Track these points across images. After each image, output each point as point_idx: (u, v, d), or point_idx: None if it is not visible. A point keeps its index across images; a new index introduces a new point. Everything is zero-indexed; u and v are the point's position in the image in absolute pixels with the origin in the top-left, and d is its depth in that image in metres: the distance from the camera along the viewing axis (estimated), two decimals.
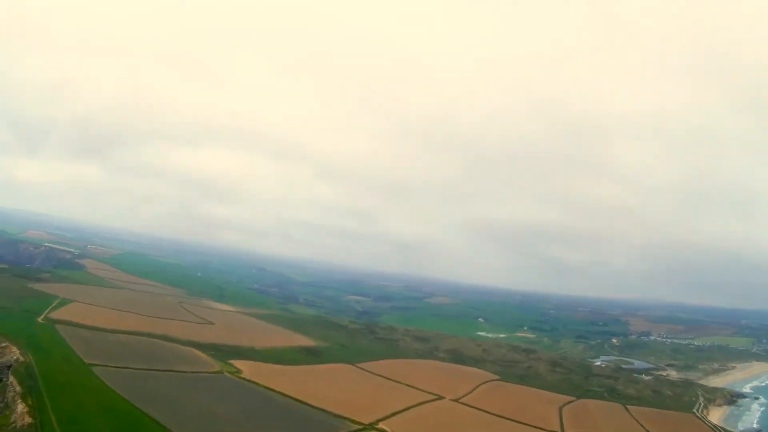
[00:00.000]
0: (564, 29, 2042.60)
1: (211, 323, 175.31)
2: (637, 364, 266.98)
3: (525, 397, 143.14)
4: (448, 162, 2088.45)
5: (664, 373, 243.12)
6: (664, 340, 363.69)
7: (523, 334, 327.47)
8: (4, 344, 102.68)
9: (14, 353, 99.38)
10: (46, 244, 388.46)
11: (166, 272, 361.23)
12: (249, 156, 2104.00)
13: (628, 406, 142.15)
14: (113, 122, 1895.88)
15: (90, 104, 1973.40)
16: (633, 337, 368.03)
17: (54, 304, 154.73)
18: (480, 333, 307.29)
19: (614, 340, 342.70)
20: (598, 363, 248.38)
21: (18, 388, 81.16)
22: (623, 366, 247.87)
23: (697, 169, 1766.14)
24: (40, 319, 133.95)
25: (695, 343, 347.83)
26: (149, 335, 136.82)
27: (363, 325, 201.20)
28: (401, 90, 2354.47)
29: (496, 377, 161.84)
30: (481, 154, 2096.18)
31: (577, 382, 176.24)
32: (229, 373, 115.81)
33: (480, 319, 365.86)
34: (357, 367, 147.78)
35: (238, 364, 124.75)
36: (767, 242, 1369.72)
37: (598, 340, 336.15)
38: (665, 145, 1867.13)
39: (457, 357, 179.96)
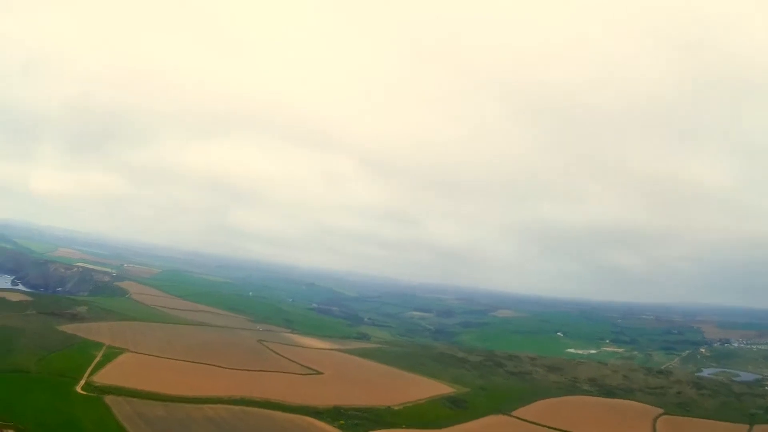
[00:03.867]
0: None
1: (318, 372, 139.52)
2: (744, 375, 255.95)
3: None
4: (519, 145, 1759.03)
5: None
6: (749, 347, 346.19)
7: (611, 349, 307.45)
8: None
9: None
10: (80, 264, 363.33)
11: (217, 293, 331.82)
12: (281, 150, 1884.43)
13: None
14: (121, 110, 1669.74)
15: (90, 87, 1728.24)
16: (717, 345, 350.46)
17: (98, 358, 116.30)
18: (569, 350, 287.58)
19: (702, 350, 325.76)
20: (710, 377, 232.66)
21: None
22: (734, 379, 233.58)
23: None
24: (79, 388, 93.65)
25: None
26: (245, 402, 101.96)
27: (484, 356, 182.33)
28: (470, 44, 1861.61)
29: (660, 410, 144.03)
30: (569, 127, 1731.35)
31: (734, 405, 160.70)
32: None
33: (559, 334, 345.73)
34: (514, 417, 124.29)
35: None
36: None
37: (687, 351, 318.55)
38: None
39: (604, 388, 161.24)
